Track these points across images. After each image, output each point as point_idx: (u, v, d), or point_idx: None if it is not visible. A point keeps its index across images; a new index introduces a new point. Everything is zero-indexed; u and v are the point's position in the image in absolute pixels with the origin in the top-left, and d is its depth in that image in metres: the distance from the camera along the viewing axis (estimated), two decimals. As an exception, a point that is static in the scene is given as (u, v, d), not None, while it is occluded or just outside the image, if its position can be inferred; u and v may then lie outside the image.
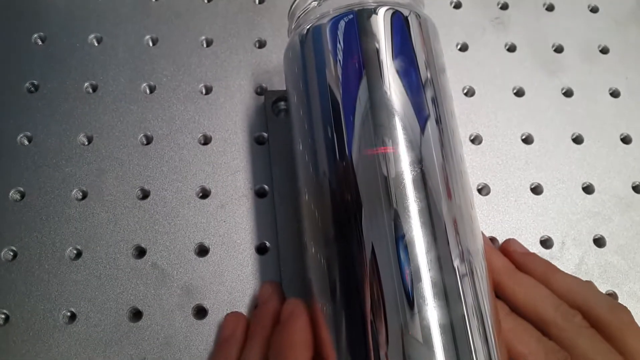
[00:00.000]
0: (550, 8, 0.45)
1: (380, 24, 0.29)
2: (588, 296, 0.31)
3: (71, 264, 0.35)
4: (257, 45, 0.42)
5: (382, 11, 0.29)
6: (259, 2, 0.43)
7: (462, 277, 0.26)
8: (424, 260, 0.25)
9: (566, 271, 0.33)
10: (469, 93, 0.42)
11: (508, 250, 0.35)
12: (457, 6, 0.45)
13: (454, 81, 0.41)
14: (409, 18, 0.30)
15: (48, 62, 0.40)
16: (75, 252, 0.35)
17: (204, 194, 0.37)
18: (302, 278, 0.30)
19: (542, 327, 0.30)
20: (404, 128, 0.27)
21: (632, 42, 0.45)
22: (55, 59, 0.40)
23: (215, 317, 0.34)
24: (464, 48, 0.43)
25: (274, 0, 0.43)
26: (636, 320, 0.30)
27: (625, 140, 0.41)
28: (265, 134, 0.38)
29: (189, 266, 0.35)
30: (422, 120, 0.28)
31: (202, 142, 0.38)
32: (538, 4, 0.46)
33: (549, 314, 0.30)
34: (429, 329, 0.24)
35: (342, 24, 0.29)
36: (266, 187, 0.37)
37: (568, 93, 0.42)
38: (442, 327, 0.24)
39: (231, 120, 0.39)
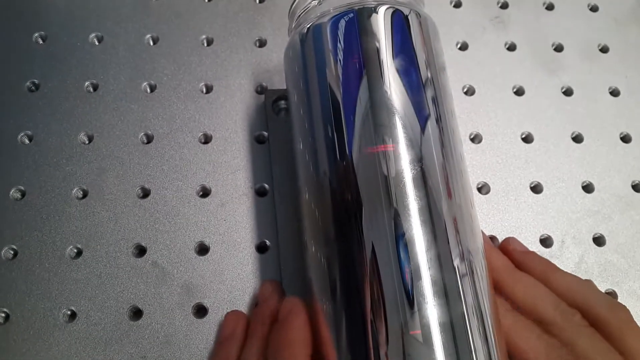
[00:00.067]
0: (550, 7, 0.46)
1: (381, 22, 0.29)
2: (587, 295, 0.31)
3: (71, 263, 0.35)
4: (257, 44, 0.42)
5: (382, 10, 0.29)
6: (260, 1, 0.43)
7: (462, 276, 0.26)
8: (424, 258, 0.25)
9: (566, 270, 0.33)
10: (469, 92, 0.42)
11: (507, 249, 0.35)
12: (457, 5, 0.45)
13: (454, 80, 0.41)
14: (409, 17, 0.30)
15: (49, 61, 0.40)
16: (75, 250, 0.35)
17: (205, 192, 0.37)
18: (302, 277, 0.30)
19: (541, 326, 0.30)
20: (404, 127, 0.27)
21: (632, 41, 0.45)
22: (55, 58, 0.40)
23: (215, 316, 0.34)
24: (464, 47, 0.43)
25: (274, -1, 0.43)
26: (636, 319, 0.30)
27: (625, 139, 0.41)
28: (265, 133, 0.39)
29: (189, 265, 0.35)
30: (423, 119, 0.28)
31: (203, 141, 0.38)
32: (538, 3, 0.46)
33: (549, 313, 0.30)
34: (428, 327, 0.24)
35: (342, 22, 0.29)
36: (266, 186, 0.37)
37: (568, 92, 0.42)
38: (442, 326, 0.24)
39: (231, 119, 0.39)
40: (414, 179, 0.26)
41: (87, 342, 0.33)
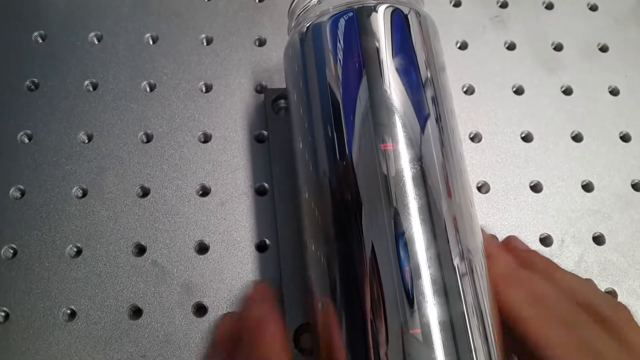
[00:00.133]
0: (549, 6, 0.46)
1: (380, 21, 0.29)
2: (589, 294, 0.31)
3: (71, 262, 0.35)
4: (257, 44, 0.42)
5: (382, 9, 0.29)
6: (259, 1, 0.43)
7: (462, 275, 0.26)
8: (424, 257, 0.25)
9: (566, 269, 0.33)
10: (469, 91, 0.42)
11: (509, 247, 0.35)
12: (457, 4, 0.45)
13: (453, 79, 0.41)
14: (409, 16, 0.30)
15: (48, 61, 0.40)
16: (75, 249, 0.35)
17: (204, 191, 0.37)
18: (302, 276, 0.30)
19: None
20: (404, 126, 0.27)
21: (631, 40, 0.45)
22: (55, 57, 0.40)
23: (215, 315, 0.34)
24: (463, 46, 0.43)
25: (273, -2, 0.43)
26: (636, 318, 0.30)
27: (625, 138, 0.41)
28: (265, 132, 0.39)
29: (189, 264, 0.35)
30: (422, 119, 0.28)
31: (202, 140, 0.38)
32: (538, 2, 0.46)
33: (561, 311, 0.29)
34: (428, 326, 0.24)
35: (342, 21, 0.29)
36: (266, 185, 0.37)
37: (567, 91, 0.42)
38: (442, 325, 0.24)
39: (231, 119, 0.39)
40: (414, 178, 0.26)
41: (86, 341, 0.33)
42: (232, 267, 0.35)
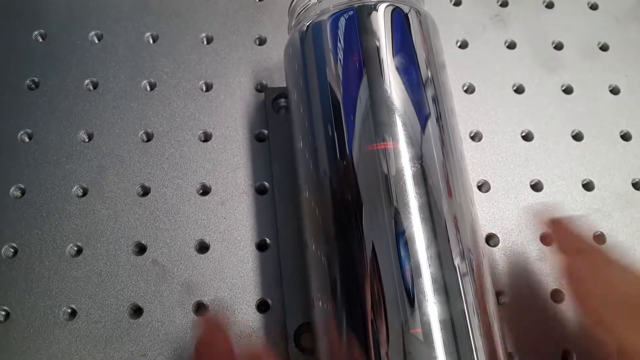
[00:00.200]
0: (550, 5, 0.46)
1: (381, 20, 0.29)
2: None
3: (72, 261, 0.35)
4: (257, 42, 0.42)
5: (382, 8, 0.29)
6: None
7: (463, 274, 0.26)
8: (424, 256, 0.25)
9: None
10: (469, 90, 0.42)
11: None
12: (457, 3, 0.45)
13: (454, 78, 0.41)
14: (409, 15, 0.30)
15: (48, 60, 0.40)
16: (75, 248, 0.35)
17: (205, 190, 0.37)
18: (302, 275, 0.30)
19: None
20: (404, 125, 0.27)
21: (632, 39, 0.45)
22: (55, 56, 0.40)
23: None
24: (464, 45, 0.43)
25: (274, -3, 0.43)
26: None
27: (625, 137, 0.41)
28: (265, 131, 0.39)
29: (190, 263, 0.35)
30: (423, 118, 0.28)
31: (203, 139, 0.38)
32: (538, 1, 0.46)
33: None
34: (429, 325, 0.24)
35: (342, 20, 0.29)
36: (266, 184, 0.37)
37: (568, 90, 0.42)
38: (443, 323, 0.24)
39: (231, 118, 0.39)
40: (414, 177, 0.26)
41: (87, 340, 0.33)
42: (233, 266, 0.35)
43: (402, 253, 0.25)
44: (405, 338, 0.24)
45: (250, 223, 0.36)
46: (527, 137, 0.40)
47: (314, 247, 0.28)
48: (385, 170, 0.26)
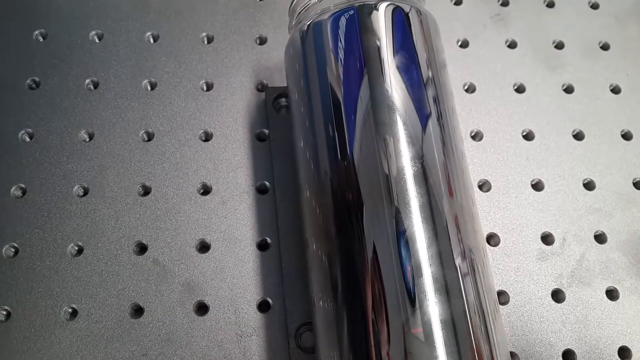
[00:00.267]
0: (550, 4, 0.45)
1: (381, 19, 0.29)
2: None
3: (72, 261, 0.35)
4: (258, 42, 0.42)
5: (382, 7, 0.29)
6: (260, -1, 0.43)
7: (464, 273, 0.26)
8: (425, 256, 0.25)
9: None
10: (470, 89, 0.42)
11: None
12: (458, 2, 0.45)
13: (454, 77, 0.41)
14: (410, 14, 0.30)
15: (49, 59, 0.40)
16: (76, 248, 0.35)
17: (205, 190, 0.37)
18: (303, 274, 0.30)
19: None
20: (405, 124, 0.27)
21: (632, 38, 0.45)
22: (56, 56, 0.40)
23: (216, 314, 0.34)
24: (464, 44, 0.43)
25: (274, -4, 0.43)
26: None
27: (626, 136, 0.41)
28: (266, 131, 0.38)
29: (190, 262, 0.35)
30: (423, 117, 0.28)
31: (203, 138, 0.38)
32: (538, 0, 0.45)
33: None
34: (430, 325, 0.24)
35: (342, 20, 0.29)
36: (267, 183, 0.37)
37: (569, 89, 0.42)
38: (444, 323, 0.24)
39: (232, 117, 0.39)
40: (415, 177, 0.26)
41: (88, 340, 0.33)
42: (233, 266, 0.35)
43: (403, 253, 0.25)
44: (406, 338, 0.24)
45: (251, 223, 0.36)
46: (528, 136, 0.40)
47: (314, 247, 0.28)
48: (386, 170, 0.26)
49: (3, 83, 0.39)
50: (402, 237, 0.25)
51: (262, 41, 0.42)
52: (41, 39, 0.41)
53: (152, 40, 0.41)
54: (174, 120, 0.39)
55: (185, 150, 0.38)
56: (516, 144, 0.40)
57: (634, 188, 0.39)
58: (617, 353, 0.34)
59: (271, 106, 0.38)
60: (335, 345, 0.26)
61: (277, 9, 0.43)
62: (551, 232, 0.37)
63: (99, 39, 0.41)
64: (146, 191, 0.37)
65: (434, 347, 0.24)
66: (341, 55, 0.29)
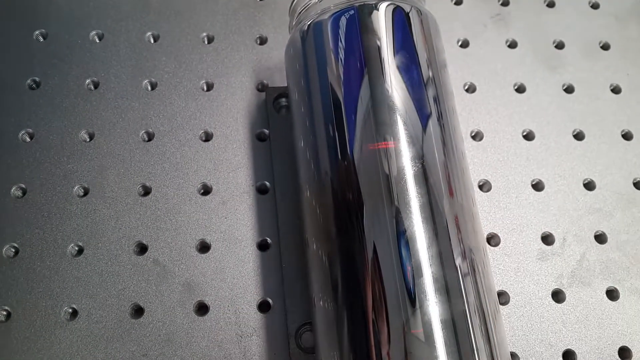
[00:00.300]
0: (551, 4, 0.45)
1: (382, 19, 0.29)
2: None
3: (73, 261, 0.35)
4: (258, 42, 0.42)
5: (383, 7, 0.29)
6: (260, -1, 0.43)
7: (464, 274, 0.26)
8: (425, 256, 0.25)
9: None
10: (470, 89, 0.42)
11: None
12: (458, 2, 0.45)
13: (454, 77, 0.41)
14: (410, 14, 0.30)
15: (49, 59, 0.40)
16: (76, 248, 0.35)
17: (206, 190, 0.37)
18: (304, 275, 0.30)
19: None
20: (405, 124, 0.27)
21: (633, 38, 0.45)
22: (56, 56, 0.40)
23: (216, 314, 0.34)
24: (464, 44, 0.43)
25: (274, -4, 0.43)
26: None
27: (627, 136, 0.41)
28: (266, 131, 0.38)
29: (191, 263, 0.35)
30: (424, 117, 0.28)
31: (204, 138, 0.38)
32: (539, 0, 0.45)
33: None
34: (430, 325, 0.24)
35: (343, 19, 0.29)
36: (267, 183, 0.37)
37: (569, 89, 0.42)
38: (444, 323, 0.24)
39: (232, 117, 0.39)
40: (415, 177, 0.26)
41: (88, 340, 0.33)
42: (234, 266, 0.35)
43: (403, 253, 0.25)
44: (407, 338, 0.24)
45: (252, 223, 0.36)
46: (528, 136, 0.40)
47: (315, 247, 0.28)
48: (387, 170, 0.26)
49: (3, 83, 0.39)
50: (402, 237, 0.25)
51: (263, 41, 0.42)
52: (41, 39, 0.41)
53: (152, 40, 0.41)
54: (174, 120, 0.39)
55: (185, 151, 0.38)
56: (516, 144, 0.40)
57: (634, 188, 0.39)
58: (617, 353, 0.34)
59: (271, 106, 0.38)
60: (336, 345, 0.26)
61: (278, 9, 0.43)
62: (551, 232, 0.37)
63: (99, 39, 0.41)
64: (146, 191, 0.37)
65: (434, 347, 0.24)
66: (341, 55, 0.29)
